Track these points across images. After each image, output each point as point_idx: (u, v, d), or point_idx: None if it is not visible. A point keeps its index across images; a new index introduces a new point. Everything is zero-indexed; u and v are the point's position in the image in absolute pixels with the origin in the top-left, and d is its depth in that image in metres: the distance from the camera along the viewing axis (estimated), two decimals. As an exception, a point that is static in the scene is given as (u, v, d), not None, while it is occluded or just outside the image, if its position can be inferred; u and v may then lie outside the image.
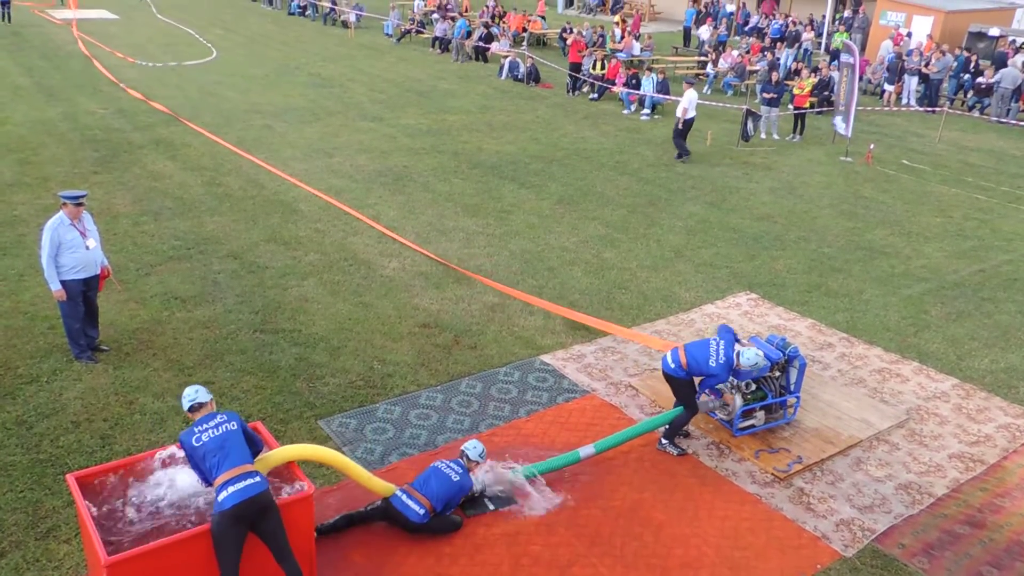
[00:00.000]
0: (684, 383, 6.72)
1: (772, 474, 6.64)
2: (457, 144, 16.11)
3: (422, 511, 5.72)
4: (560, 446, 6.88)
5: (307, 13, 34.06)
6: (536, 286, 9.87)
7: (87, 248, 7.41)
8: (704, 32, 27.65)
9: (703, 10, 32.60)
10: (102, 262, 7.70)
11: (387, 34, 29.61)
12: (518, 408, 7.46)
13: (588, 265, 10.63)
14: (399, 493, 5.81)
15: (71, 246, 7.32)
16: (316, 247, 10.70)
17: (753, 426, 7.16)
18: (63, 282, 7.38)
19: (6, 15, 27.57)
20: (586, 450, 6.56)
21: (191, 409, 5.17)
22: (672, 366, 6.70)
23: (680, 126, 15.64)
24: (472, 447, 6.18)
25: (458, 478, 5.93)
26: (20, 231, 10.61)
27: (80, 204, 7.36)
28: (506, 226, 11.87)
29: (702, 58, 25.17)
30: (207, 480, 4.99)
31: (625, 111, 19.99)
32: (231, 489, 4.80)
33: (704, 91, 22.48)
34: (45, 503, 5.93)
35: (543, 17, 30.83)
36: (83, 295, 7.59)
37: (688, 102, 15.37)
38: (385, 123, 17.44)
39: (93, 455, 6.44)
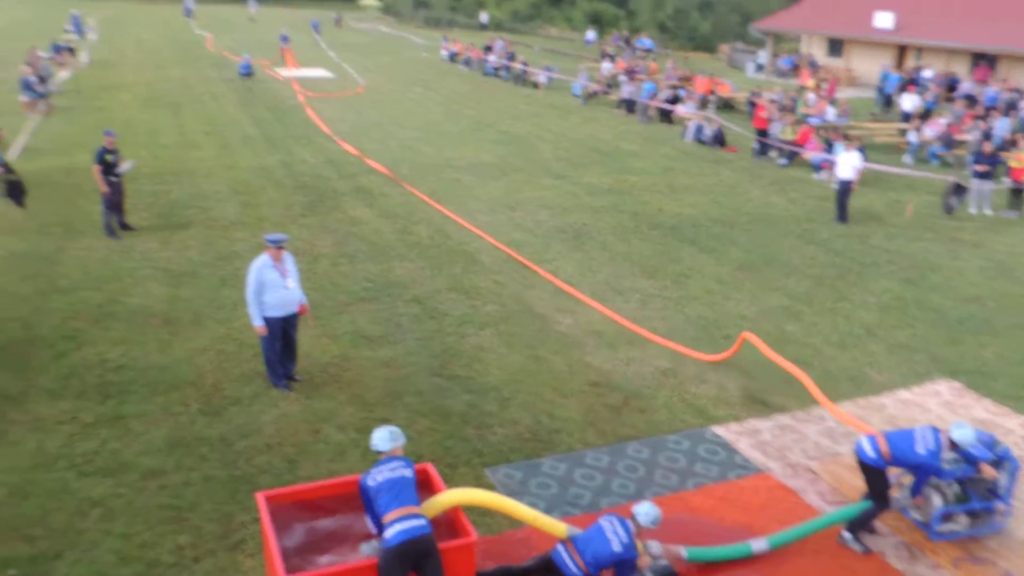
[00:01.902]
0: (878, 474, 6.23)
1: (971, 586, 5.97)
2: (638, 204, 16.14)
3: (579, 574, 5.59)
4: (729, 524, 6.56)
5: (501, 74, 35.73)
6: (711, 354, 9.58)
7: (286, 288, 7.99)
8: (907, 100, 26.16)
9: (905, 76, 30.91)
10: (301, 300, 8.32)
11: (575, 95, 30.41)
12: (686, 479, 7.22)
13: (768, 337, 10.19)
14: (560, 548, 5.72)
15: (272, 285, 7.92)
16: (495, 298, 11.03)
17: (955, 531, 6.46)
18: (264, 319, 8.01)
19: (248, 75, 31.02)
20: (759, 545, 6.16)
21: (380, 452, 5.46)
22: (871, 455, 6.22)
23: (838, 187, 15.29)
24: (645, 513, 5.66)
25: (620, 548, 5.51)
26: (237, 265, 11.74)
27: (281, 247, 7.96)
28: (683, 290, 11.67)
29: (903, 125, 23.79)
30: (376, 520, 5.23)
31: (816, 177, 19.22)
32: (398, 527, 5.00)
33: (906, 160, 21.21)
34: (236, 517, 6.41)
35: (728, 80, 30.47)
36: (283, 331, 8.22)
37: (848, 164, 15.08)
38: (568, 181, 17.81)
39: (281, 477, 6.91)
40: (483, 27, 66.29)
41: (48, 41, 32.51)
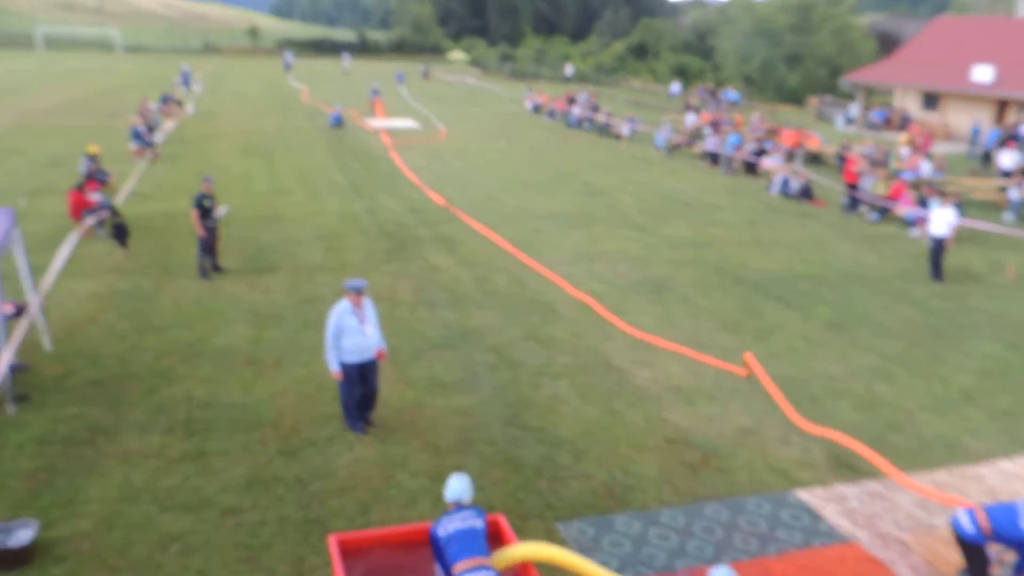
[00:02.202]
0: (977, 550, 5.84)
1: None
2: (720, 258, 15.89)
3: None
4: (813, 596, 6.23)
5: (584, 126, 36.08)
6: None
7: (364, 334, 8.10)
8: (1007, 156, 25.09)
9: (1005, 131, 29.72)
10: (379, 346, 8.39)
11: (658, 146, 30.39)
12: (767, 544, 6.92)
13: (857, 399, 9.78)
14: None
15: (350, 331, 8.05)
16: (571, 349, 10.96)
17: (1060, 615, 5.99)
18: (342, 363, 8.14)
19: (339, 125, 32.30)
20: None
21: (451, 502, 5.46)
22: (969, 529, 5.85)
23: (932, 244, 14.81)
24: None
25: None
26: (320, 308, 12.04)
27: (360, 293, 8.07)
28: (766, 347, 11.35)
29: (1004, 182, 22.79)
30: (447, 569, 5.19)
31: (910, 234, 18.55)
32: (467, 579, 4.97)
33: (1007, 218, 20.27)
34: (308, 559, 6.46)
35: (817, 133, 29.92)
36: (361, 376, 8.30)
37: (943, 220, 14.52)
38: (648, 232, 17.70)
39: (353, 520, 6.95)
40: (567, 79, 67.37)
41: (158, 93, 34.64)
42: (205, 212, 13.12)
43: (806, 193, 22.03)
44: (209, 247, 13.36)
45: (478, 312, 12.27)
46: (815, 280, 14.63)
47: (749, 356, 10.33)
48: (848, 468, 8.15)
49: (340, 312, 8.06)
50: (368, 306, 8.29)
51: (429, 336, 11.23)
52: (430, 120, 36.55)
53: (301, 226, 16.95)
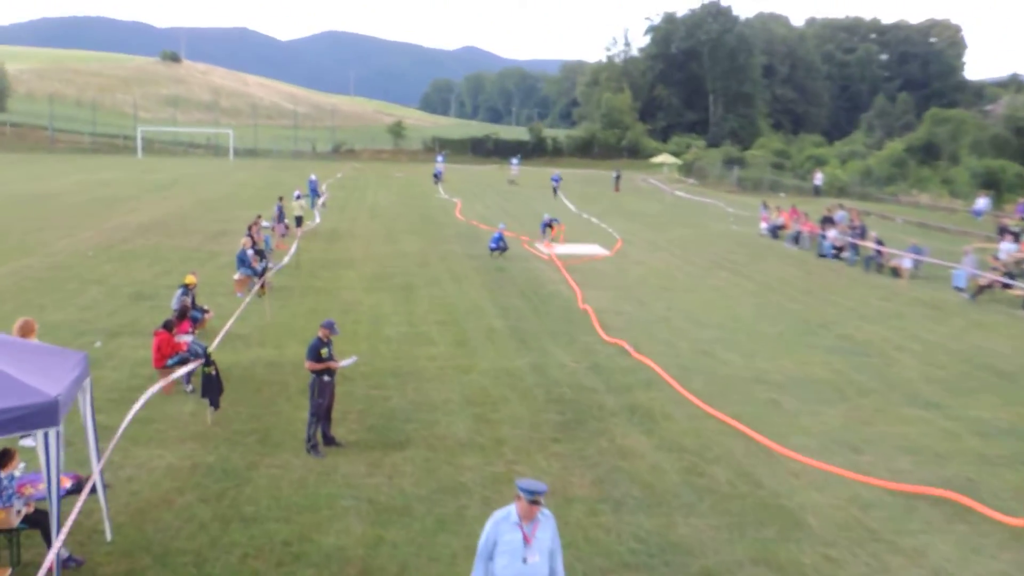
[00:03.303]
0: None
1: None
2: (1059, 456, 14.74)
3: None
4: None
5: (843, 256, 35.53)
6: None
7: (524, 561, 7.56)
8: None
9: None
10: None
11: (957, 287, 29.34)
12: None
13: None
14: None
15: (509, 552, 7.55)
16: (825, 583, 10.37)
17: None
18: None
19: (500, 251, 33.79)
20: None
21: None
22: None
23: None
24: None
25: None
26: (463, 502, 12.17)
27: (536, 501, 7.57)
28: None
29: None
30: None
31: None
32: None
33: None
34: None
35: None
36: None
37: None
38: (944, 412, 16.84)
39: None
40: (817, 192, 67.21)
41: (274, 207, 37.81)
42: (321, 362, 13.82)
43: None
44: (323, 411, 13.99)
45: (686, 519, 11.95)
46: None
47: None
48: None
49: (499, 520, 7.68)
50: (545, 523, 7.81)
51: (613, 550, 11.00)
52: (622, 244, 37.33)
53: (444, 386, 17.48)
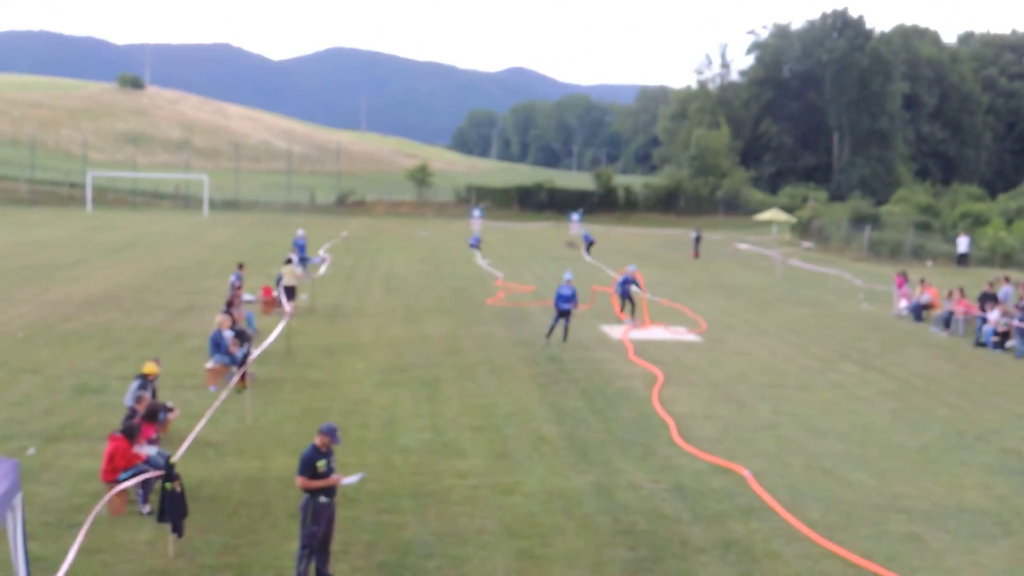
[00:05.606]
0: None
1: None
2: None
3: None
4: None
5: (1009, 344, 35.13)
6: None
7: None
8: None
9: None
10: None
11: None
12: None
13: None
14: None
15: None
16: None
17: None
18: None
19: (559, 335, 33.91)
20: None
21: None
22: None
23: None
24: None
25: None
26: (499, 666, 12.15)
27: None
28: None
29: None
30: None
31: None
32: None
33: None
34: None
35: None
36: None
37: None
38: None
39: None
40: (961, 261, 66.17)
41: (257, 276, 38.17)
42: (320, 480, 13.88)
43: None
44: (318, 542, 13.99)
45: None
46: None
47: None
48: None
49: None
50: None
51: None
52: (711, 328, 37.27)
53: (477, 511, 17.44)
